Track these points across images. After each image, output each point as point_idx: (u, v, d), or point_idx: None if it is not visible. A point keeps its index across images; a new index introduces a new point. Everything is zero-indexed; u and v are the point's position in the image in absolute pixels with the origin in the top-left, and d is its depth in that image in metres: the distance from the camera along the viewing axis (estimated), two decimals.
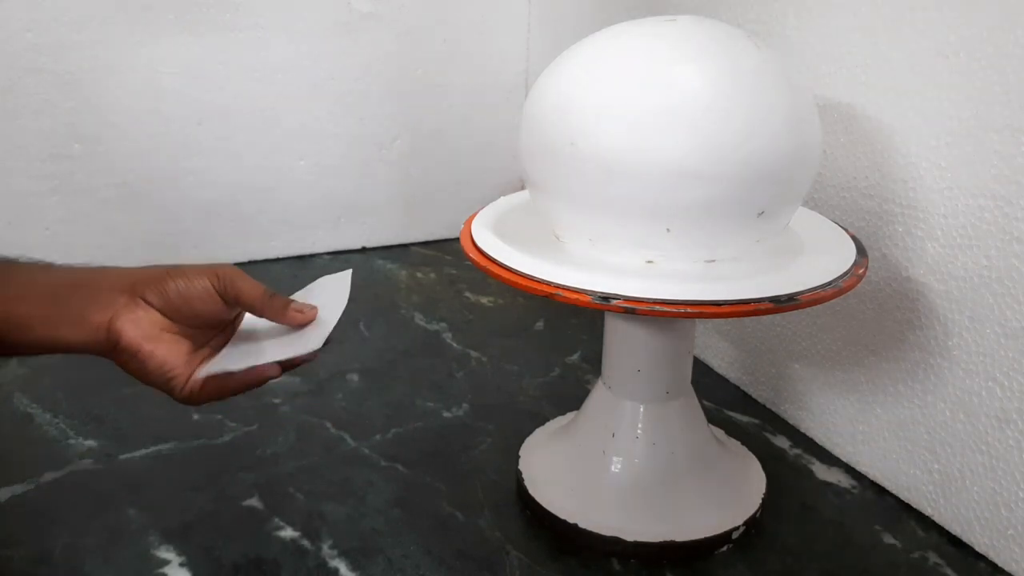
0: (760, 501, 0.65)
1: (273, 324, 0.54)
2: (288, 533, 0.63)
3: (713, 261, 0.56)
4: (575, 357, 0.92)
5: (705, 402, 0.76)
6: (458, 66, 1.20)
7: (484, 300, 1.07)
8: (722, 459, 0.67)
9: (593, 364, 0.90)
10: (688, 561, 0.61)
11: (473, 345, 0.94)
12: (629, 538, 0.60)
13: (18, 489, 0.68)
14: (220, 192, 1.12)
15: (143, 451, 0.73)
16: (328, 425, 0.78)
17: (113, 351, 0.49)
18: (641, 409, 0.63)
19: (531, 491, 0.65)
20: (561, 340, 0.96)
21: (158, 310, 0.50)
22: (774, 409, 0.81)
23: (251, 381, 0.52)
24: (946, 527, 0.65)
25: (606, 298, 0.51)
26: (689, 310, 0.50)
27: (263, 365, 0.51)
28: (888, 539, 0.64)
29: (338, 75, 1.13)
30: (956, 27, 0.58)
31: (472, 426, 0.78)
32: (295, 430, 0.77)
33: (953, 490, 0.64)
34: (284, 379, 0.83)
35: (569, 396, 0.82)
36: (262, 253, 1.17)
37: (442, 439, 0.76)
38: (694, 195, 0.52)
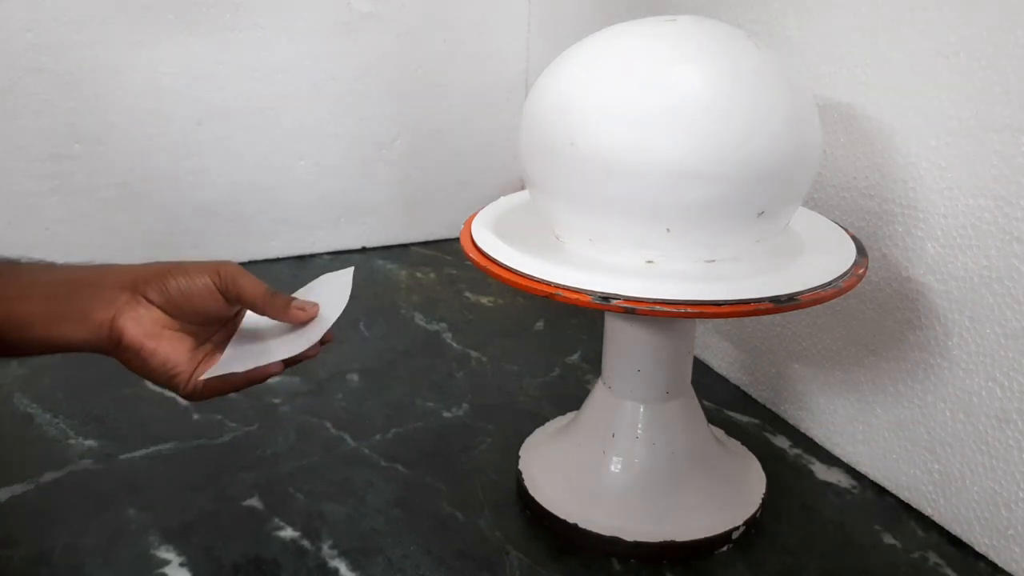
0: (760, 501, 0.65)
1: (275, 322, 0.54)
2: (288, 533, 0.63)
3: (713, 261, 0.56)
4: (575, 357, 0.92)
5: (705, 402, 0.76)
6: (458, 66, 1.20)
7: (484, 300, 1.07)
8: (722, 459, 0.67)
9: (593, 364, 0.90)
10: (688, 561, 0.61)
11: (473, 345, 0.94)
12: (629, 538, 0.60)
13: (18, 489, 0.68)
14: (220, 192, 1.12)
15: (143, 451, 0.73)
16: (328, 425, 0.78)
17: (115, 349, 0.50)
18: (641, 409, 0.63)
19: (531, 491, 0.65)
20: (561, 340, 0.96)
21: (159, 307, 0.50)
22: (774, 409, 0.81)
23: (254, 378, 0.52)
24: (946, 527, 0.65)
25: (606, 298, 0.51)
26: (689, 310, 0.50)
27: (266, 364, 0.51)
28: (888, 539, 0.64)
29: (338, 75, 1.13)
30: (956, 27, 0.58)
31: (472, 426, 0.78)
32: (295, 430, 0.77)
33: (953, 490, 0.64)
34: (284, 379, 0.84)
35: (569, 396, 0.82)
36: (262, 253, 1.17)
37: (442, 439, 0.76)
38: (694, 195, 0.52)
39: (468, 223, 0.64)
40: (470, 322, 1.00)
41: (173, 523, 0.64)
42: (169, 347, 0.50)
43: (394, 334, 0.97)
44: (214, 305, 0.52)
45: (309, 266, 1.17)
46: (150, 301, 0.50)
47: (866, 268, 0.57)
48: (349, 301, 0.54)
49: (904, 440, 0.67)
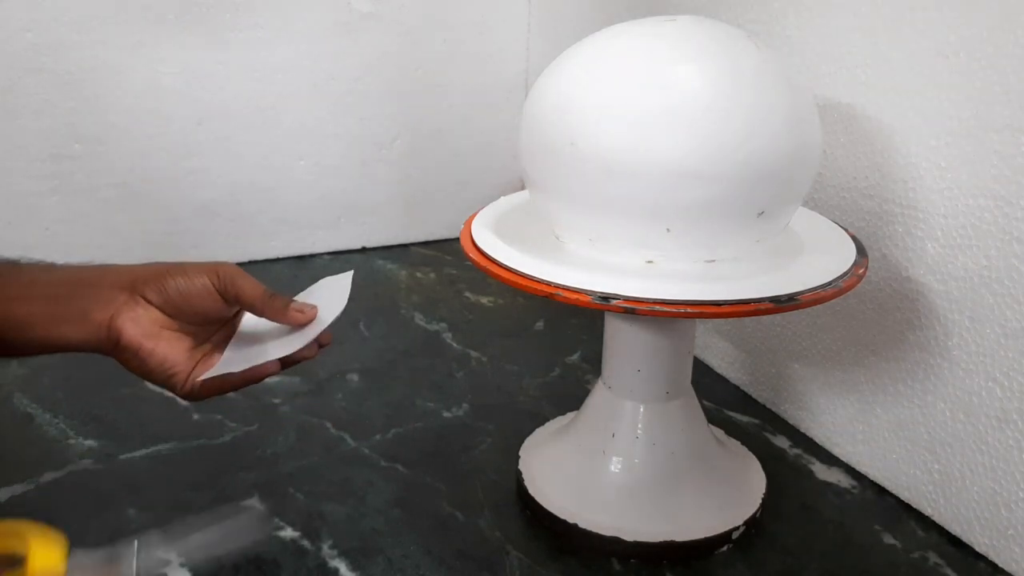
0: (760, 501, 0.65)
1: (273, 324, 0.54)
2: (288, 533, 0.63)
3: (713, 261, 0.56)
4: (575, 357, 0.92)
5: (705, 402, 0.76)
6: (458, 66, 1.20)
7: (484, 300, 1.07)
8: (722, 459, 0.67)
9: (593, 364, 0.90)
10: (688, 561, 0.61)
11: (473, 345, 0.94)
12: (629, 538, 0.60)
13: (18, 489, 0.68)
14: (220, 192, 1.12)
15: (143, 451, 0.73)
16: (328, 425, 0.78)
17: (114, 349, 0.50)
18: (641, 409, 0.63)
19: (531, 491, 0.65)
20: (561, 340, 0.96)
21: (158, 308, 0.50)
22: (774, 409, 0.81)
23: (250, 378, 0.52)
24: (946, 527, 0.65)
25: (606, 298, 0.51)
26: (689, 310, 0.50)
27: (263, 363, 0.51)
28: (888, 539, 0.64)
29: (338, 75, 1.13)
30: (956, 27, 0.58)
31: (472, 426, 0.78)
32: (295, 430, 0.77)
33: (953, 490, 0.64)
34: (284, 379, 0.84)
35: (569, 396, 0.82)
36: (262, 253, 1.17)
37: (442, 439, 0.76)
38: (694, 195, 0.52)
39: (468, 223, 0.64)
40: (470, 322, 1.00)
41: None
42: (167, 347, 0.50)
43: (394, 334, 0.97)
44: (213, 306, 0.52)
45: (309, 266, 1.17)
46: (148, 301, 0.50)
47: (866, 268, 0.57)
48: (348, 302, 0.55)
49: (904, 440, 0.67)
